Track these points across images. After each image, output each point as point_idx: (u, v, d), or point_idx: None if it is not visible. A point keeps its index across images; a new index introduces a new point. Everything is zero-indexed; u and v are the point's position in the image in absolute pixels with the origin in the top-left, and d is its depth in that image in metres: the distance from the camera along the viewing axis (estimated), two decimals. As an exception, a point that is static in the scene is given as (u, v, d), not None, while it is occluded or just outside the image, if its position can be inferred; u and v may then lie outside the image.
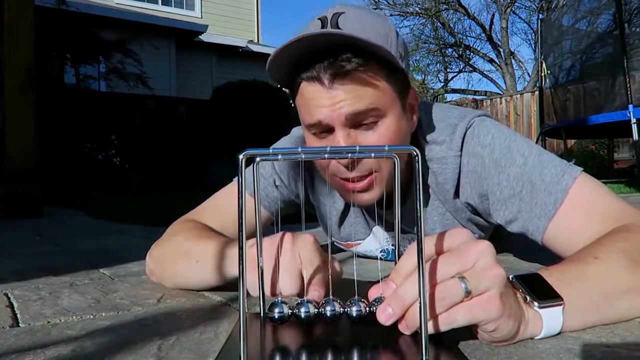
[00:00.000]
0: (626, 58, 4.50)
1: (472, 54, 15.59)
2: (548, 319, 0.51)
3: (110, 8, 8.83)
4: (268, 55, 0.71)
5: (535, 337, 0.52)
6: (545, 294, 0.51)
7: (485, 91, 14.54)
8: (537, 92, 7.19)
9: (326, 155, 0.46)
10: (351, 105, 0.70)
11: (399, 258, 0.59)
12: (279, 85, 0.79)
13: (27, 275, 1.01)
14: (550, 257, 0.74)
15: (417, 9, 14.65)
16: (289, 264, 0.57)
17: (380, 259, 1.04)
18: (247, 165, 0.44)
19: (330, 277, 0.57)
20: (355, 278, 0.64)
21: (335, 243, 1.07)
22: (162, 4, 10.32)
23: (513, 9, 14.70)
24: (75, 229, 2.19)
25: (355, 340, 0.51)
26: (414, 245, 0.46)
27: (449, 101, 12.71)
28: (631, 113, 4.37)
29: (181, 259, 0.80)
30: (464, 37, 15.28)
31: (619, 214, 0.69)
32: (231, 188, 0.94)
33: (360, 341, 0.50)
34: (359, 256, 1.11)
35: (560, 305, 0.51)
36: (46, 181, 3.50)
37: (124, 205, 3.53)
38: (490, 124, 0.82)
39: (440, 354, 0.45)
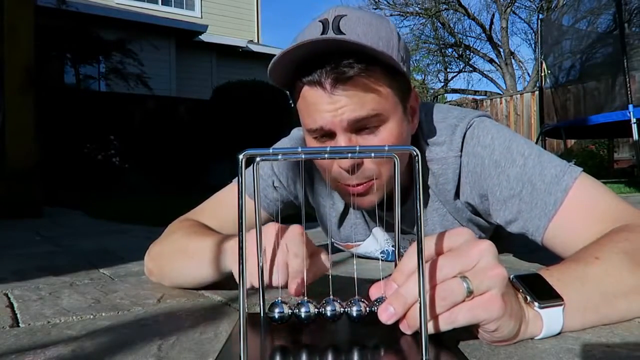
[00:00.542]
0: (626, 58, 4.50)
1: (472, 54, 15.58)
2: (548, 319, 0.51)
3: (110, 8, 8.83)
4: (268, 55, 0.72)
5: (536, 337, 0.52)
6: (545, 294, 0.51)
7: (485, 91, 14.53)
8: (537, 92, 7.19)
9: (326, 156, 0.46)
10: (353, 112, 0.70)
11: (399, 259, 0.59)
12: (280, 87, 0.78)
13: (27, 275, 1.01)
14: (550, 257, 0.74)
15: (417, 9, 14.64)
16: (274, 255, 0.57)
17: (381, 259, 1.04)
18: (247, 165, 0.44)
19: (329, 279, 0.57)
20: (355, 278, 0.64)
21: (335, 244, 1.07)
22: (162, 4, 10.32)
23: (513, 9, 14.70)
24: (75, 229, 2.19)
25: (355, 340, 0.51)
26: (415, 245, 0.46)
27: (449, 101, 12.71)
28: (631, 113, 4.36)
29: (178, 255, 0.80)
30: (464, 37, 15.28)
31: (619, 213, 0.69)
32: (231, 188, 0.94)
33: (360, 341, 0.50)
34: (359, 256, 1.11)
35: (560, 305, 0.51)
36: (46, 181, 3.50)
37: (124, 205, 3.53)
38: (490, 124, 0.82)
39: (440, 354, 0.45)
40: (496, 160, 0.77)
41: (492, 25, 14.82)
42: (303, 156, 0.45)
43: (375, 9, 13.80)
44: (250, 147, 0.46)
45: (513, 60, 14.90)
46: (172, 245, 0.83)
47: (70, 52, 6.48)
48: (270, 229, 0.60)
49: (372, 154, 0.47)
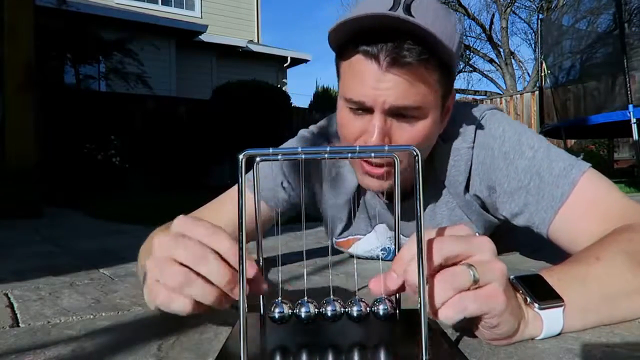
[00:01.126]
0: (626, 58, 4.50)
1: (472, 53, 15.58)
2: (548, 320, 0.51)
3: (110, 8, 8.83)
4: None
5: (536, 338, 0.52)
6: (545, 295, 0.51)
7: (485, 91, 14.54)
8: (537, 92, 7.18)
9: (326, 155, 0.46)
10: (398, 98, 0.69)
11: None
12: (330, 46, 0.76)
13: (27, 275, 1.01)
14: (552, 257, 0.74)
15: (417, 9, 14.61)
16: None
17: (381, 258, 1.04)
18: (247, 165, 0.44)
19: (329, 279, 0.57)
20: (355, 278, 0.64)
21: (335, 245, 1.07)
22: (162, 4, 10.32)
23: (513, 9, 14.71)
24: (75, 229, 2.19)
25: (355, 341, 0.50)
26: (414, 236, 0.45)
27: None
28: (631, 113, 4.36)
29: (144, 254, 0.76)
30: (464, 37, 15.26)
31: (624, 210, 0.69)
32: (236, 189, 0.94)
33: (360, 341, 0.50)
34: (359, 257, 1.11)
35: (561, 306, 0.51)
36: (46, 181, 3.50)
37: (124, 205, 3.53)
38: (502, 117, 0.82)
39: (440, 354, 0.45)
40: (505, 152, 0.78)
41: (492, 25, 14.82)
42: (303, 156, 0.45)
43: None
44: (250, 147, 0.46)
45: (513, 60, 14.91)
46: (145, 245, 0.79)
47: (70, 52, 6.48)
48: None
49: (372, 154, 0.47)
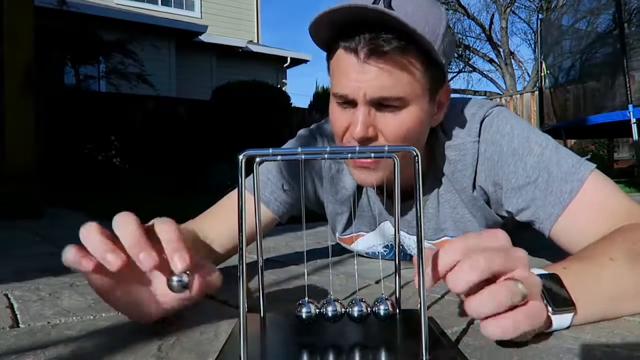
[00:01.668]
0: (626, 58, 4.50)
1: (471, 54, 15.58)
2: (557, 322, 0.52)
3: (110, 8, 8.83)
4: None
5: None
6: (560, 300, 0.52)
7: (485, 91, 14.54)
8: (536, 92, 7.19)
9: (326, 156, 0.46)
10: (378, 89, 0.70)
11: (397, 257, 0.60)
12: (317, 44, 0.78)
13: (27, 275, 1.01)
14: (551, 258, 0.74)
15: (417, 9, 14.62)
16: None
17: (382, 256, 1.04)
18: (247, 165, 0.44)
19: (330, 279, 0.57)
20: (356, 278, 0.64)
21: (338, 240, 1.07)
22: (161, 4, 10.32)
23: (513, 9, 14.72)
24: (75, 229, 2.18)
25: (355, 341, 0.51)
26: (456, 239, 0.46)
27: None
28: (631, 113, 4.36)
29: None
30: (464, 37, 15.28)
31: (629, 212, 0.70)
32: (235, 193, 0.94)
33: (361, 341, 0.50)
34: (360, 255, 1.11)
35: (572, 312, 0.52)
36: (46, 181, 3.50)
37: (124, 206, 3.52)
38: (509, 115, 0.83)
39: (440, 354, 0.45)
40: (514, 149, 0.78)
41: (492, 25, 14.84)
42: (303, 156, 0.45)
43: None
44: (251, 147, 0.46)
45: (513, 60, 14.92)
46: None
47: (71, 53, 6.48)
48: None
49: (372, 155, 0.47)
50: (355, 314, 0.51)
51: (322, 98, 9.75)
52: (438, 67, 0.74)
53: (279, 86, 9.14)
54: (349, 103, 0.74)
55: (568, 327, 0.54)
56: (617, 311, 0.58)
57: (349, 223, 1.00)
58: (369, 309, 0.52)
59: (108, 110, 6.29)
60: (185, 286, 0.50)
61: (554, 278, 0.54)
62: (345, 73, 0.72)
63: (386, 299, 0.52)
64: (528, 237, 0.86)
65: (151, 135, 6.48)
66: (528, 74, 15.38)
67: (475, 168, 0.83)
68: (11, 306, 0.75)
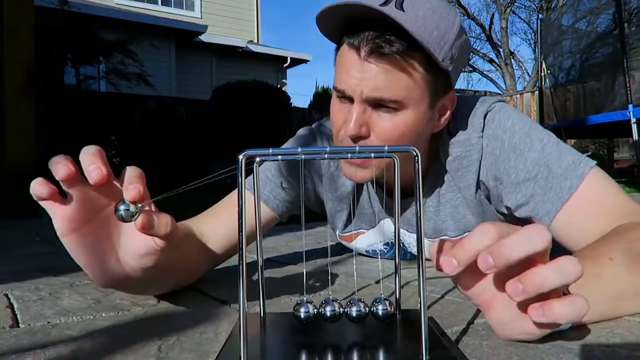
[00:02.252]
0: (626, 58, 4.50)
1: (471, 54, 15.58)
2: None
3: (110, 8, 8.84)
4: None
5: None
6: None
7: (485, 91, 14.53)
8: (537, 92, 7.19)
9: (326, 156, 0.46)
10: (374, 89, 0.70)
11: (397, 257, 0.60)
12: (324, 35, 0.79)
13: (27, 275, 1.01)
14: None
15: (417, 9, 14.62)
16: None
17: (382, 254, 1.04)
18: (247, 165, 0.44)
19: (329, 279, 0.57)
20: (355, 278, 0.64)
21: (338, 238, 1.07)
22: (162, 4, 10.32)
23: (513, 8, 14.72)
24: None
25: (355, 341, 0.51)
26: (480, 226, 0.45)
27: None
28: (631, 113, 4.37)
29: None
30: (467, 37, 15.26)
31: (628, 210, 0.70)
32: (235, 193, 0.94)
33: (360, 341, 0.50)
34: (360, 255, 1.11)
35: None
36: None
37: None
38: (511, 110, 0.83)
39: (440, 354, 0.45)
40: (515, 144, 0.78)
41: (492, 25, 14.84)
42: (303, 156, 0.45)
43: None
44: (251, 147, 0.46)
45: (513, 60, 14.92)
46: None
47: (71, 53, 6.48)
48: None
49: (372, 155, 0.47)
50: (354, 314, 0.51)
51: (322, 98, 9.75)
52: (443, 73, 0.74)
53: (279, 86, 9.14)
54: (347, 99, 0.74)
55: (568, 328, 0.54)
56: (617, 311, 0.58)
57: (348, 220, 1.00)
58: (367, 309, 0.52)
59: (108, 110, 6.29)
60: (132, 215, 0.50)
61: None
62: (346, 69, 0.73)
63: (385, 299, 0.52)
64: None
65: (151, 135, 6.48)
66: (528, 74, 15.39)
67: (479, 163, 0.83)
68: (11, 306, 0.75)
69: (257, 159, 0.50)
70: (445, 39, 0.70)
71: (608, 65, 5.16)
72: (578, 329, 0.55)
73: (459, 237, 0.90)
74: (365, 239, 1.03)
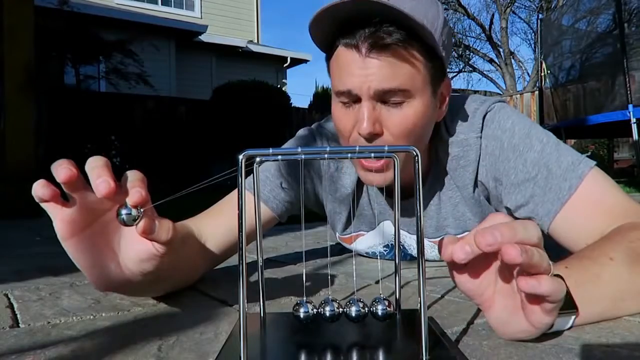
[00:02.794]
0: (626, 58, 4.50)
1: (471, 54, 15.58)
2: (558, 324, 0.52)
3: (110, 8, 8.83)
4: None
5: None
6: (565, 304, 0.51)
7: (485, 91, 14.52)
8: (537, 92, 7.18)
9: (326, 156, 0.46)
10: (382, 82, 0.70)
11: (397, 257, 0.60)
12: (317, 45, 0.78)
13: (27, 275, 1.01)
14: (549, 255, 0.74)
15: (417, 9, 14.60)
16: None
17: (382, 256, 1.04)
18: (247, 165, 0.44)
19: (329, 279, 0.57)
20: (354, 278, 0.64)
21: (338, 239, 1.07)
22: (161, 4, 10.32)
23: (513, 9, 14.72)
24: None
25: (354, 341, 0.51)
26: (490, 215, 0.46)
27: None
28: (631, 113, 4.36)
29: None
30: (464, 37, 15.27)
31: (627, 210, 0.70)
32: (235, 193, 0.93)
33: (359, 341, 0.50)
34: (360, 255, 1.11)
35: (574, 314, 0.52)
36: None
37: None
38: (511, 111, 0.83)
39: (440, 354, 0.45)
40: (515, 145, 0.79)
41: (492, 25, 14.84)
42: (303, 156, 0.45)
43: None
44: (251, 147, 0.46)
45: (513, 60, 14.92)
46: None
47: (71, 53, 6.48)
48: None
49: (372, 155, 0.47)
50: (353, 314, 0.51)
51: (322, 98, 9.75)
52: (438, 60, 0.74)
53: (279, 86, 9.14)
54: (354, 101, 0.74)
55: (568, 328, 0.54)
56: (617, 311, 0.58)
57: (348, 222, 1.00)
58: (366, 309, 0.52)
59: (108, 110, 6.28)
60: (134, 219, 0.50)
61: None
62: (348, 69, 0.72)
63: (384, 299, 0.52)
64: None
65: (151, 136, 6.47)
66: (528, 74, 15.39)
67: (477, 164, 0.83)
68: (11, 306, 0.75)
69: (257, 159, 0.50)
70: (435, 26, 0.71)
71: (608, 65, 5.15)
72: (578, 329, 0.55)
73: (459, 235, 0.90)
74: (365, 241, 1.03)
